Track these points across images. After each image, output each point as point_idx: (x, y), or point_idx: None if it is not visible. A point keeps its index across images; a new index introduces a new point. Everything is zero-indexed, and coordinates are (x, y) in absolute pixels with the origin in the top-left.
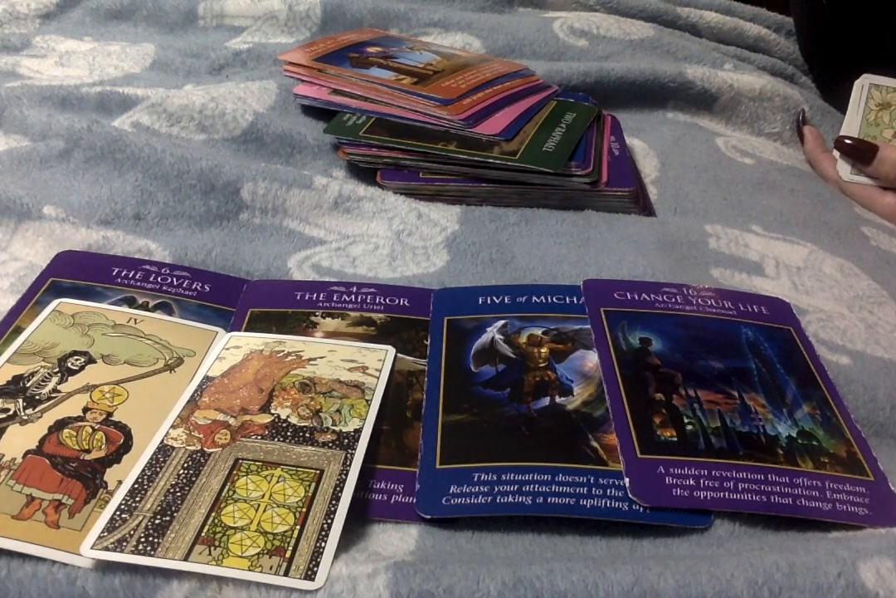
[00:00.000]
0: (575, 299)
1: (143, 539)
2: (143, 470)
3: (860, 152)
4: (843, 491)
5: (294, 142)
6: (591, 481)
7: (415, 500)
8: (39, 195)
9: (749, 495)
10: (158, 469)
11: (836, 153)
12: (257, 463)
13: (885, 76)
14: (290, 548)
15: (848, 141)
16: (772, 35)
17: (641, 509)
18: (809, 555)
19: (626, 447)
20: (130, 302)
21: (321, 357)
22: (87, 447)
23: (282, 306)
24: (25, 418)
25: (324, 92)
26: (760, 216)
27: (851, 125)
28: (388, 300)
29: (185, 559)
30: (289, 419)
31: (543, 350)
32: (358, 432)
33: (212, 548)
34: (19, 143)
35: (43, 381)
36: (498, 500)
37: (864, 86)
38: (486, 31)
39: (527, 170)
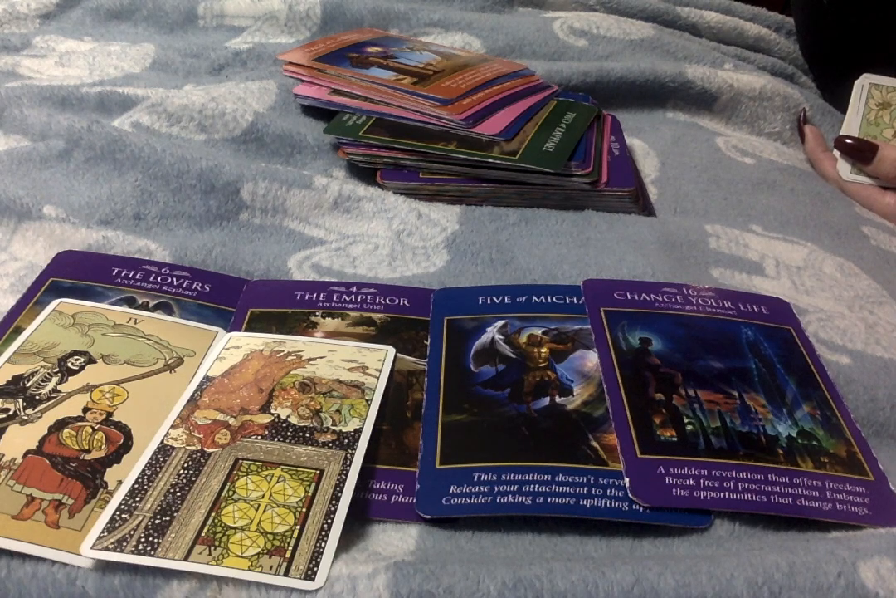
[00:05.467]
0: (575, 299)
1: (143, 539)
2: (143, 470)
3: (860, 152)
4: (843, 491)
5: (294, 142)
6: (591, 481)
7: (415, 500)
8: (39, 195)
9: (749, 495)
10: (158, 469)
11: (836, 153)
12: (257, 463)
13: (885, 76)
14: (290, 548)
15: (848, 140)
16: (772, 35)
17: (641, 509)
18: (809, 555)
19: (626, 447)
20: (130, 302)
21: (321, 357)
22: (87, 447)
23: (282, 306)
24: (25, 418)
25: (324, 92)
26: (760, 216)
27: (851, 125)
28: (388, 300)
29: (185, 559)
30: (289, 419)
31: (543, 350)
32: (358, 432)
33: (212, 548)
34: (19, 143)
35: (43, 381)
36: (498, 500)
37: (864, 85)
38: (486, 31)
39: (527, 170)
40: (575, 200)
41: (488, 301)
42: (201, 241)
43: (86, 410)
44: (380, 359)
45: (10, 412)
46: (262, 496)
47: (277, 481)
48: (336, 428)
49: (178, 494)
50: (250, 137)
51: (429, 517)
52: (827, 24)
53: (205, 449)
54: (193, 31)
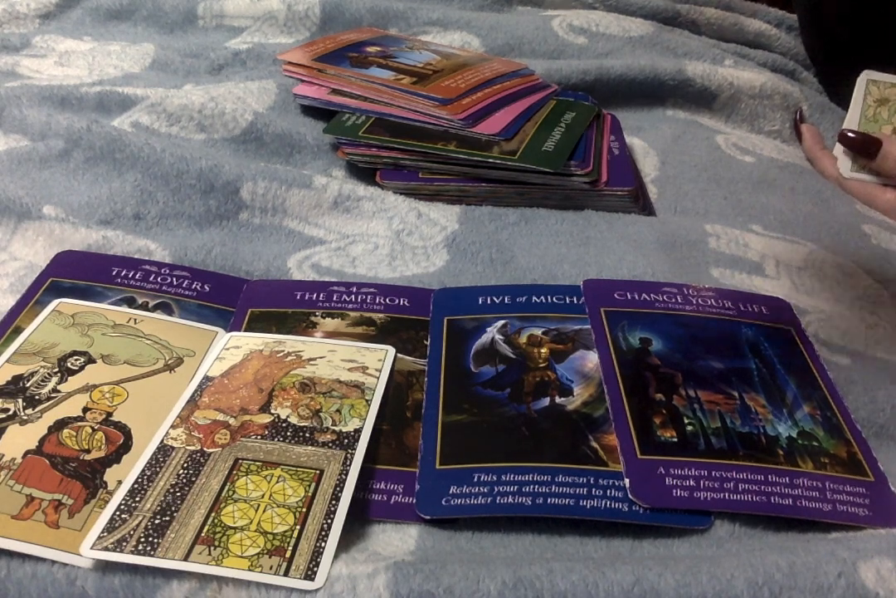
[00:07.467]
0: (575, 299)
1: (143, 539)
2: (143, 470)
3: (864, 146)
4: (844, 492)
5: (294, 142)
6: (591, 481)
7: (415, 500)
8: (39, 195)
9: (749, 496)
10: (158, 469)
11: (837, 149)
12: (257, 463)
13: (887, 72)
14: (290, 548)
15: (851, 134)
16: (772, 30)
17: (641, 509)
18: (809, 555)
19: (626, 448)
20: (130, 302)
21: (321, 357)
22: (86, 447)
23: (282, 306)
24: (25, 418)
25: (323, 92)
26: (760, 215)
27: (852, 122)
28: (388, 300)
29: (185, 559)
30: (289, 419)
31: (543, 350)
32: (358, 432)
33: (212, 548)
34: (19, 143)
35: (43, 381)
36: (498, 500)
37: (863, 82)
38: (486, 29)
39: (526, 169)
40: (575, 199)
41: (488, 301)
42: (201, 241)
43: (86, 410)
44: (380, 359)
45: (10, 412)
46: (262, 496)
47: (277, 481)
48: (336, 428)
49: (178, 494)
50: (250, 137)
51: (429, 517)
52: (830, 19)
53: (205, 449)
54: (193, 31)
